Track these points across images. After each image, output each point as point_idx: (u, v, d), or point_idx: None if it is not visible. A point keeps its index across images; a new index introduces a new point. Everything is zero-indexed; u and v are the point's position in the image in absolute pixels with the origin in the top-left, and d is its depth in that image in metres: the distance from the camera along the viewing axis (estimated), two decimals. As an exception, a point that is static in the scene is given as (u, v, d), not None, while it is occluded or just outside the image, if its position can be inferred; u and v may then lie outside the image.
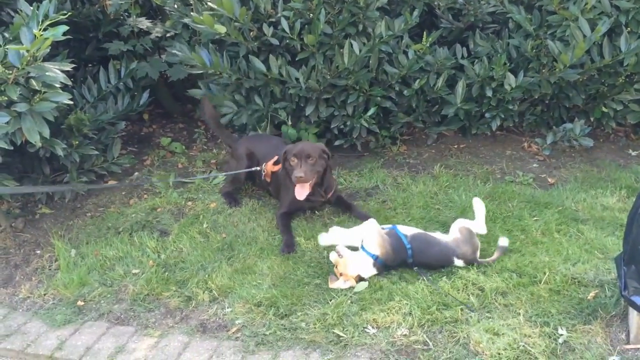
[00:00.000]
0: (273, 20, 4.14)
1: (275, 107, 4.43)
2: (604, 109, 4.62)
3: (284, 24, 4.01)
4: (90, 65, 4.85)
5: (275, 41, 4.09)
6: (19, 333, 3.00)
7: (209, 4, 3.99)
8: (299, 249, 3.48)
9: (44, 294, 3.29)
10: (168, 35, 4.75)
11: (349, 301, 2.99)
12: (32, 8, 3.22)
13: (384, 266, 3.18)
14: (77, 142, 3.91)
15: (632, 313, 2.61)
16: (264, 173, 3.94)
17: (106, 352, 2.82)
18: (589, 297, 2.91)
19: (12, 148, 3.23)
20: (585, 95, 4.51)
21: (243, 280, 3.22)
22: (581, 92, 4.47)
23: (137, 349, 2.82)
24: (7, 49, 3.07)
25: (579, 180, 4.26)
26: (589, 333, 2.70)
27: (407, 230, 3.28)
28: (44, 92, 3.24)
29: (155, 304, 3.15)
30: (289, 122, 4.46)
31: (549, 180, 4.29)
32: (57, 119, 3.42)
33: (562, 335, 2.68)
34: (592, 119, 4.73)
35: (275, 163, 3.89)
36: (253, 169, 4.00)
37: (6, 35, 3.33)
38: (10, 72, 3.10)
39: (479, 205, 3.41)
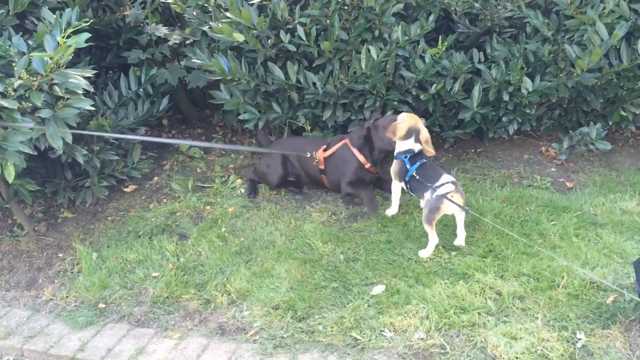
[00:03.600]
0: (290, 27, 4.18)
1: (297, 114, 4.49)
2: (622, 112, 4.57)
3: (300, 31, 4.04)
4: (111, 72, 4.93)
5: (292, 48, 4.13)
6: (42, 334, 3.06)
7: (227, 14, 4.04)
8: (316, 253, 3.49)
9: (66, 297, 3.35)
10: (187, 42, 4.82)
11: (366, 305, 3.01)
12: (55, 16, 3.28)
13: None
14: (97, 148, 3.98)
15: (652, 317, 2.60)
16: (317, 160, 4.13)
17: (127, 353, 2.87)
18: (607, 302, 2.90)
19: (35, 153, 3.28)
20: (603, 99, 4.46)
21: (261, 283, 3.25)
22: (599, 96, 4.43)
23: (157, 351, 2.87)
24: (31, 56, 3.13)
25: (597, 184, 4.23)
26: (608, 337, 2.69)
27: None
28: (67, 99, 3.30)
29: (174, 306, 3.19)
30: (308, 128, 4.50)
31: (567, 184, 4.26)
32: (79, 125, 3.48)
33: (580, 339, 2.68)
34: (610, 122, 4.69)
35: (325, 150, 4.14)
36: (308, 154, 4.16)
37: (30, 42, 3.39)
38: (35, 78, 3.16)
39: None
